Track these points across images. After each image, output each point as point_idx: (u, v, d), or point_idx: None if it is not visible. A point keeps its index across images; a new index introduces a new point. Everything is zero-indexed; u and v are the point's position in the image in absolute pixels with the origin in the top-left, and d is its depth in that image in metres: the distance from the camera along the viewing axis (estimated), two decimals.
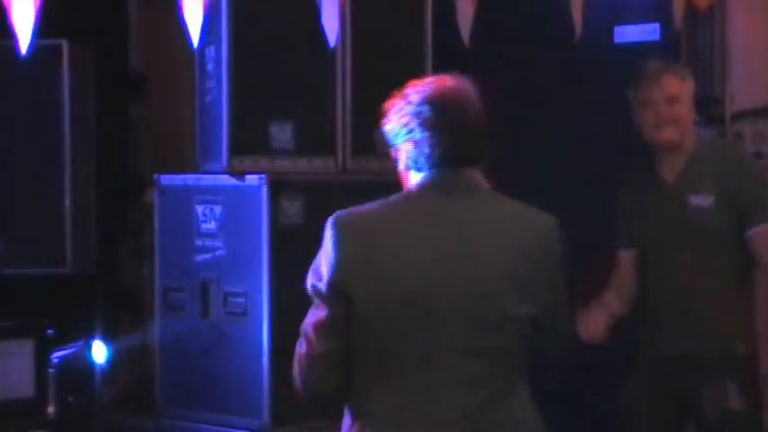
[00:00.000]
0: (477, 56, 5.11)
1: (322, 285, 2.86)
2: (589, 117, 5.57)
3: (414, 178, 2.99)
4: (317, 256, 2.92)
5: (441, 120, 3.02)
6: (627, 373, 4.38)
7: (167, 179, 4.82)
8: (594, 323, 4.22)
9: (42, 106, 4.90)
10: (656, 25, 5.39)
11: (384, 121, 3.12)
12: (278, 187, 4.53)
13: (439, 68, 5.07)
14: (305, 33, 4.67)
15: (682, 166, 4.24)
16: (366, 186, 4.84)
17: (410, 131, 3.00)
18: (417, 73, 5.04)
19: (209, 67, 4.65)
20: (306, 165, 4.74)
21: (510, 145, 5.77)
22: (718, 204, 4.14)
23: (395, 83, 5.00)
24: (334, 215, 2.91)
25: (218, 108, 4.60)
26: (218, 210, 4.64)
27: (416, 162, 2.97)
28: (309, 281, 2.92)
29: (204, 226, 4.67)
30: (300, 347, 2.90)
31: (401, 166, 3.02)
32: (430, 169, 2.99)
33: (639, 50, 5.40)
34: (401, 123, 3.02)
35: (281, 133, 4.69)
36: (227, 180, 4.60)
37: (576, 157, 5.56)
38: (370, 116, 4.93)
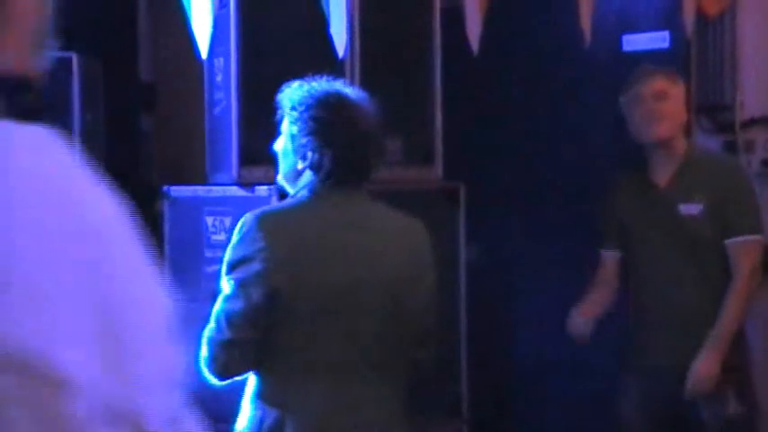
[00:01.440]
0: (486, 64, 5.11)
1: (249, 278, 2.98)
2: (597, 125, 5.56)
3: (311, 182, 3.10)
4: (234, 250, 3.06)
5: (338, 127, 3.09)
6: (619, 377, 4.39)
7: (177, 190, 4.82)
8: (584, 322, 4.28)
9: (53, 118, 4.90)
10: (666, 33, 5.39)
11: (279, 125, 3.20)
12: (287, 197, 4.52)
13: (448, 77, 5.08)
14: (314, 44, 4.67)
15: (673, 171, 4.23)
16: (376, 195, 4.85)
17: (307, 136, 3.08)
18: (426, 82, 5.06)
19: (219, 78, 4.66)
20: None
21: (518, 152, 5.76)
22: (708, 213, 4.14)
23: (404, 93, 5.02)
24: (255, 214, 3.06)
25: (228, 119, 4.60)
26: (227, 221, 4.64)
27: (313, 167, 3.08)
28: (230, 273, 3.04)
29: (214, 237, 4.67)
30: (213, 333, 3.02)
31: (297, 166, 3.13)
32: (327, 175, 3.10)
33: (648, 59, 5.39)
34: (298, 128, 3.10)
35: None
36: (236, 191, 4.60)
37: (584, 164, 5.54)
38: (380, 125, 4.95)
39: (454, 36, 4.90)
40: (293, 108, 3.14)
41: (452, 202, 4.95)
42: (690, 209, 4.18)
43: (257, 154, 4.63)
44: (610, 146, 5.49)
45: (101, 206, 0.59)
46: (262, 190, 4.54)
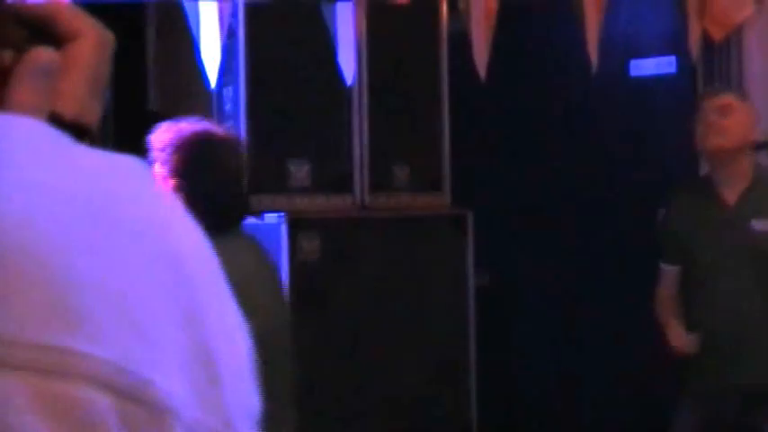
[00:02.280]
0: (494, 90, 5.12)
1: None
2: (606, 150, 5.57)
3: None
4: None
5: (205, 168, 3.05)
6: (678, 401, 4.30)
7: None
8: (683, 335, 4.18)
9: None
10: (673, 58, 5.40)
11: (157, 159, 3.13)
12: (296, 225, 4.54)
13: (456, 103, 5.09)
14: (322, 72, 4.70)
15: (743, 189, 4.19)
16: (385, 223, 4.86)
17: (175, 179, 3.03)
18: (434, 109, 5.07)
19: (227, 107, 4.68)
20: (324, 202, 4.75)
21: (525, 178, 5.77)
22: None
23: (411, 120, 5.04)
24: None
25: None
26: None
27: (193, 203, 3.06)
28: None
29: None
30: None
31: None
32: (199, 218, 3.10)
33: (656, 83, 5.40)
34: (166, 171, 3.04)
35: (299, 171, 4.71)
36: (246, 219, 4.61)
37: (593, 190, 5.55)
38: (387, 153, 4.97)
39: (461, 62, 4.92)
40: (161, 150, 3.09)
41: (460, 228, 4.96)
42: (763, 225, 4.14)
43: (266, 181, 4.65)
44: (618, 171, 5.50)
45: (195, 239, 0.61)
46: (271, 217, 4.55)
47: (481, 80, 4.87)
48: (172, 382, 0.55)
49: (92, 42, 0.70)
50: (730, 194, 4.20)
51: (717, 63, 5.39)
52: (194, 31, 4.41)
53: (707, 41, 5.03)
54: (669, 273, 4.29)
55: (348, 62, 4.68)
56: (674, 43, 5.30)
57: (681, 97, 5.26)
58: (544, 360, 5.67)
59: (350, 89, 4.75)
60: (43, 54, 0.64)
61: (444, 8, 5.03)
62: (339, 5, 4.69)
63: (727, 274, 4.14)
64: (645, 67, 5.54)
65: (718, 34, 4.98)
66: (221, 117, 4.71)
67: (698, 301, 4.22)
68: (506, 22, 4.73)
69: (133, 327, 0.55)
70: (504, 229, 5.63)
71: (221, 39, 4.43)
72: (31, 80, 0.63)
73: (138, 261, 0.58)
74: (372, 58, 4.84)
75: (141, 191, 0.61)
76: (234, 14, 4.54)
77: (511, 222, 5.71)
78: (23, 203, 0.56)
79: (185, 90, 5.32)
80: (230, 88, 4.65)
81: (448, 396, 4.90)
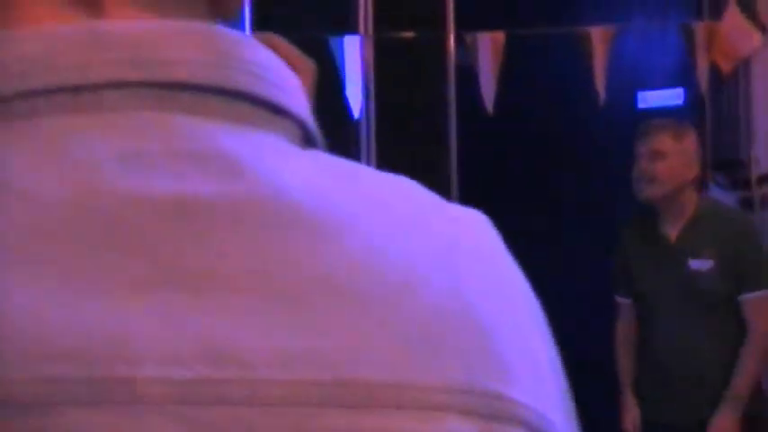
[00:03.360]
0: (501, 123, 5.13)
1: None
2: (615, 183, 5.57)
3: None
4: None
5: None
6: None
7: None
8: (631, 412, 4.29)
9: None
10: (681, 90, 5.40)
11: None
12: None
13: (463, 137, 5.10)
14: (329, 106, 4.70)
15: (682, 226, 4.22)
16: None
17: None
18: (441, 142, 5.07)
19: None
20: None
21: (534, 209, 5.77)
22: (717, 268, 4.12)
23: (419, 153, 5.04)
24: None
25: None
26: None
27: None
28: None
29: None
30: None
31: None
32: None
33: (663, 115, 5.41)
34: None
35: None
36: None
37: (603, 223, 5.54)
38: None
39: (469, 95, 4.92)
40: None
41: None
42: (699, 264, 4.16)
43: None
44: (626, 202, 5.50)
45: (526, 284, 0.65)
46: None
47: (488, 113, 4.88)
48: (564, 428, 0.59)
49: (309, 75, 0.74)
50: (671, 230, 4.23)
51: (724, 95, 5.40)
52: None
53: (714, 73, 5.04)
54: (624, 305, 4.37)
55: (355, 96, 4.69)
56: (682, 75, 5.31)
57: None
58: None
59: (357, 122, 4.75)
60: None
61: (451, 42, 5.04)
62: (347, 39, 4.70)
63: (669, 309, 4.18)
64: (652, 99, 5.54)
65: (726, 66, 4.99)
66: None
67: (643, 334, 4.28)
68: (513, 55, 4.74)
69: (537, 375, 0.58)
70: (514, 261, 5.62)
71: None
72: None
73: (521, 306, 0.61)
74: (380, 91, 4.85)
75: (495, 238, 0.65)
76: None
77: (519, 255, 5.71)
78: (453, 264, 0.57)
79: None
80: None
81: None
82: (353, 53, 4.69)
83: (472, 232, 0.61)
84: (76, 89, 0.54)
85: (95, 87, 0.54)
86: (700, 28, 4.98)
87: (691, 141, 4.29)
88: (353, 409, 0.51)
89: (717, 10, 5.14)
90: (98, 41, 0.55)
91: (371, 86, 4.80)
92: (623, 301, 4.40)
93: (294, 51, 0.73)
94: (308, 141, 0.62)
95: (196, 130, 0.55)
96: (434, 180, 5.35)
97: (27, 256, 0.51)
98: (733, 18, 4.97)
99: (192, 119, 0.55)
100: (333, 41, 4.68)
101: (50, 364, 0.49)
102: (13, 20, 0.56)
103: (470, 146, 5.19)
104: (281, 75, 0.60)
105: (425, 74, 5.05)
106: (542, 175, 5.78)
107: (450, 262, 0.57)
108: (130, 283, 0.51)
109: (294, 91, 0.61)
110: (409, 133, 4.99)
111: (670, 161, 4.22)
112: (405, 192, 0.62)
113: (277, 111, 0.58)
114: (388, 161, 4.89)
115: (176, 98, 0.55)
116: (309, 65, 0.76)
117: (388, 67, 4.89)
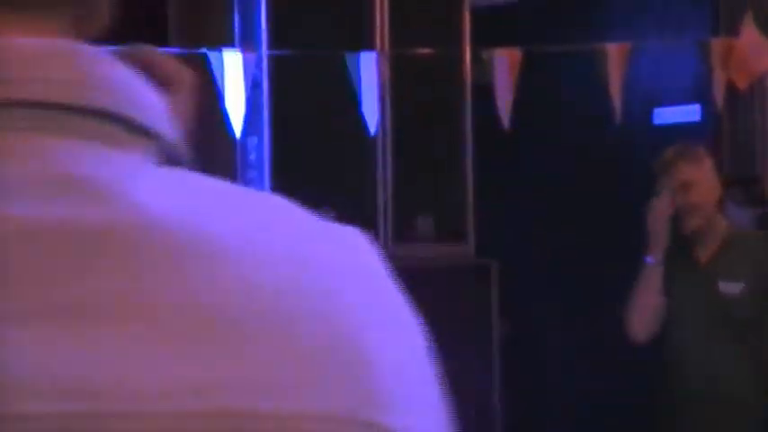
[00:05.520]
0: (517, 140, 5.13)
1: None
2: (631, 198, 5.56)
3: None
4: None
5: None
6: None
7: None
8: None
9: None
10: (697, 106, 5.40)
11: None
12: None
13: (480, 153, 5.10)
14: (346, 122, 4.71)
15: (715, 249, 4.21)
16: (408, 272, 4.83)
17: None
18: (458, 159, 5.07)
19: (251, 156, 4.69)
20: None
21: (550, 227, 5.76)
22: (748, 292, 4.11)
23: (435, 169, 5.04)
24: None
25: None
26: None
27: None
28: None
29: None
30: None
31: None
32: None
33: (679, 132, 5.40)
34: None
35: None
36: None
37: (618, 239, 5.53)
38: (411, 202, 4.97)
39: (486, 112, 4.92)
40: None
41: (485, 278, 4.95)
42: (730, 287, 4.14)
43: None
44: (643, 219, 5.49)
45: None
46: None
47: (505, 130, 4.88)
48: None
49: (187, 87, 0.73)
50: (704, 253, 4.22)
51: (741, 111, 5.39)
52: (218, 82, 4.43)
53: (731, 90, 5.03)
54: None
55: (372, 112, 4.69)
56: (699, 91, 5.30)
57: (705, 145, 5.25)
58: (571, 409, 5.63)
59: (373, 139, 4.76)
60: None
61: (468, 58, 5.05)
62: (363, 55, 4.70)
63: (700, 333, 4.15)
64: (669, 115, 5.54)
65: (742, 83, 4.98)
66: (245, 166, 4.72)
67: (673, 357, 4.24)
68: (529, 71, 4.74)
69: (419, 403, 0.58)
70: (529, 278, 5.61)
71: (246, 89, 4.45)
72: None
73: (404, 332, 0.60)
74: (396, 108, 4.85)
75: (379, 262, 0.64)
76: (258, 65, 4.56)
77: (535, 271, 5.70)
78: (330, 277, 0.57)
79: (209, 139, 5.34)
80: (254, 138, 4.66)
81: None
82: (370, 70, 4.69)
83: (352, 255, 0.60)
84: None
85: None
86: (716, 44, 4.97)
87: (708, 162, 4.30)
88: None
89: (733, 26, 5.13)
90: None
91: (387, 103, 4.81)
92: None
93: (172, 63, 0.71)
94: (172, 160, 0.61)
95: (57, 152, 0.54)
96: (450, 196, 5.36)
97: None
98: (750, 34, 4.96)
99: (52, 139, 0.54)
100: (349, 58, 4.69)
101: None
102: None
103: (486, 162, 5.19)
104: (142, 93, 0.58)
105: (442, 90, 5.05)
106: (558, 191, 5.77)
107: (329, 289, 0.56)
108: None
109: (156, 109, 0.59)
110: (425, 150, 4.99)
111: (698, 189, 4.22)
112: (279, 213, 0.61)
113: (139, 130, 0.57)
114: (404, 177, 4.89)
115: (36, 117, 0.54)
116: (188, 76, 0.74)
117: (405, 84, 4.89)
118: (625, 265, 4.94)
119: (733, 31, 5.12)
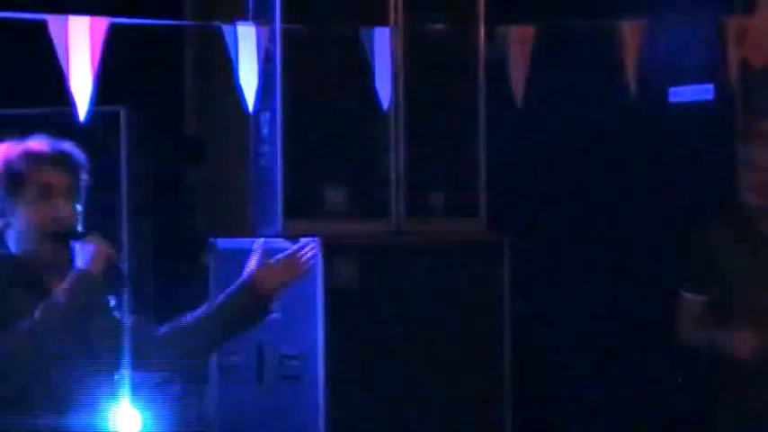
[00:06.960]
0: (530, 116, 5.12)
1: None
2: (644, 176, 5.55)
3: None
4: None
5: (25, 183, 3.03)
6: None
7: (223, 242, 4.84)
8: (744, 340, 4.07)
9: (100, 171, 4.95)
10: (710, 85, 5.38)
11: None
12: (332, 250, 4.53)
13: (492, 129, 5.09)
14: (359, 97, 4.71)
15: None
16: (421, 248, 4.85)
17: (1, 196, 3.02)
18: (470, 135, 5.07)
19: (264, 131, 4.69)
20: (359, 227, 4.75)
21: (562, 203, 5.75)
22: None
23: (448, 145, 5.03)
24: None
25: (273, 172, 4.63)
26: None
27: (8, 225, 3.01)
28: None
29: None
30: None
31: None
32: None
33: (694, 110, 5.38)
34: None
35: (336, 196, 4.71)
36: (282, 243, 4.61)
37: (630, 215, 5.53)
38: (423, 178, 4.97)
39: (499, 88, 4.91)
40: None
41: (496, 254, 4.95)
42: None
43: (302, 207, 4.66)
44: (656, 197, 5.48)
45: None
46: (307, 242, 4.55)
47: (518, 106, 4.87)
48: None
49: None
50: (765, 226, 4.15)
51: (755, 90, 5.37)
52: (232, 56, 4.43)
53: (745, 69, 5.01)
54: (692, 302, 4.21)
55: (385, 88, 4.68)
56: (713, 70, 5.28)
57: (719, 124, 5.23)
58: (581, 388, 5.63)
59: (387, 115, 4.75)
60: None
61: (482, 34, 5.03)
62: (377, 31, 4.70)
63: (762, 304, 4.08)
64: (683, 93, 5.52)
65: (757, 61, 4.96)
66: (258, 141, 4.72)
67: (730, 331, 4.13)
68: (543, 48, 4.73)
69: None
70: (541, 254, 5.61)
71: (259, 63, 4.44)
72: None
73: None
74: (409, 84, 4.84)
75: None
76: (272, 39, 4.55)
77: (547, 248, 5.69)
78: None
79: (222, 114, 5.34)
80: (268, 113, 4.66)
81: (484, 423, 4.88)
82: (383, 45, 4.69)
83: None
84: None
85: None
86: (731, 23, 4.95)
87: None
88: None
89: (749, 5, 5.11)
90: None
91: (401, 79, 4.80)
92: (693, 298, 4.21)
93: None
94: None
95: None
96: (462, 172, 5.35)
97: None
98: (765, 13, 4.94)
99: None
100: (363, 33, 4.68)
101: None
102: None
103: (499, 139, 5.18)
104: None
105: (455, 66, 5.05)
106: (571, 169, 5.76)
107: None
108: None
109: None
110: (438, 126, 4.98)
111: None
112: None
113: None
114: (417, 153, 4.89)
115: None
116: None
117: (418, 60, 4.88)
118: (638, 242, 4.95)
119: (748, 9, 5.10)
